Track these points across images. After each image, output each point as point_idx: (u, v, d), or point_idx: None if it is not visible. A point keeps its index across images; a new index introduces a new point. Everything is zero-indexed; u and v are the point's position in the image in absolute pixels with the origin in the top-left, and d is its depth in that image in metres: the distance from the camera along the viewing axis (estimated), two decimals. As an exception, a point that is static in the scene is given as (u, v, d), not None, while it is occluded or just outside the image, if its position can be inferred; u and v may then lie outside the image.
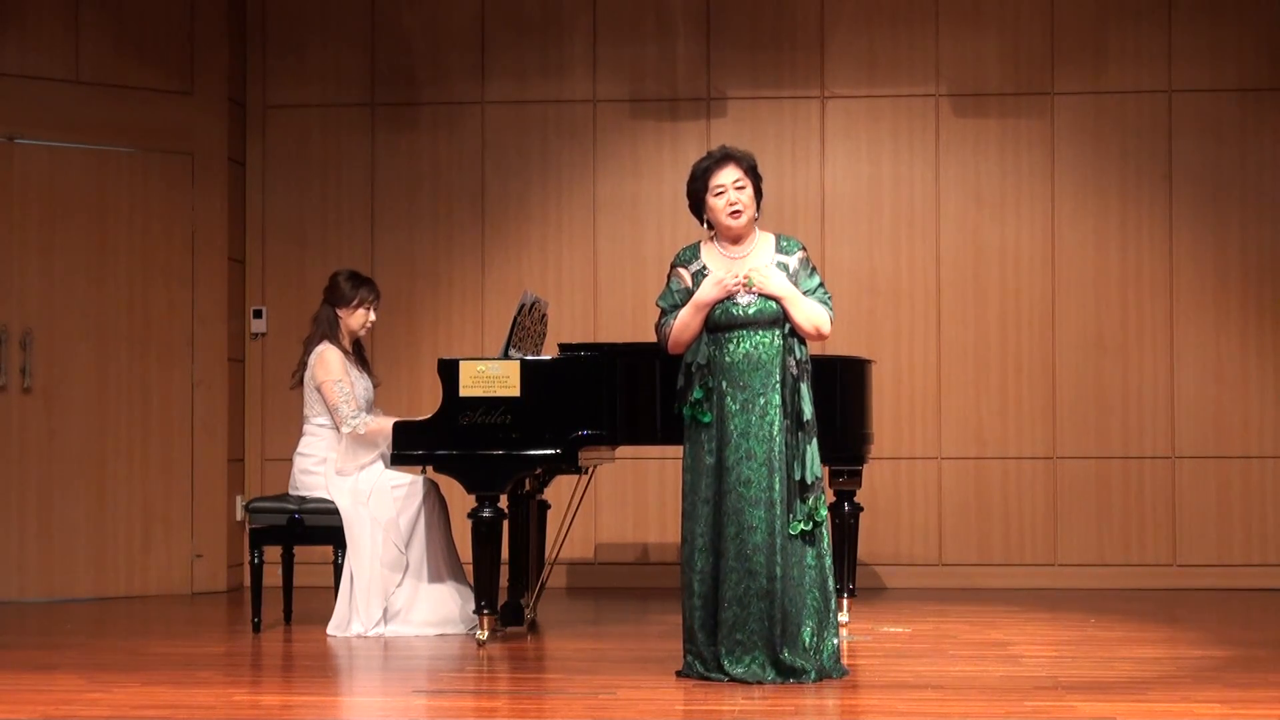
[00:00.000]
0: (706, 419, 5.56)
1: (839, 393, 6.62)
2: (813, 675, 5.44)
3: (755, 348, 5.54)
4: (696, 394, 5.57)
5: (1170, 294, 8.73)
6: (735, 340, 5.54)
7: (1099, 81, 8.79)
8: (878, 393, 8.26)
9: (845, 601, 6.99)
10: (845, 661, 5.74)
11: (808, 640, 5.49)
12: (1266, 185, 8.72)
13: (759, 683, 5.42)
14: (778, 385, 5.52)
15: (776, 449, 5.49)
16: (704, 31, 8.92)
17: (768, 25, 8.90)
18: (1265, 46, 8.74)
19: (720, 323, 5.56)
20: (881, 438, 8.47)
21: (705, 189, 5.63)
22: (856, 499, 7.06)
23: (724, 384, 5.54)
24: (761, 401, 5.51)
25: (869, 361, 6.93)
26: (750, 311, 5.54)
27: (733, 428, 5.51)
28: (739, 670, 5.46)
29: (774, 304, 5.55)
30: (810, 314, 5.58)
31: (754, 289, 5.54)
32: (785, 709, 5.02)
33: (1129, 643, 6.51)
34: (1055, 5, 8.82)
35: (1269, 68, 8.73)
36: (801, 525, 5.50)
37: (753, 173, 5.66)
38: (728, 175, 5.61)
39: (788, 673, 5.43)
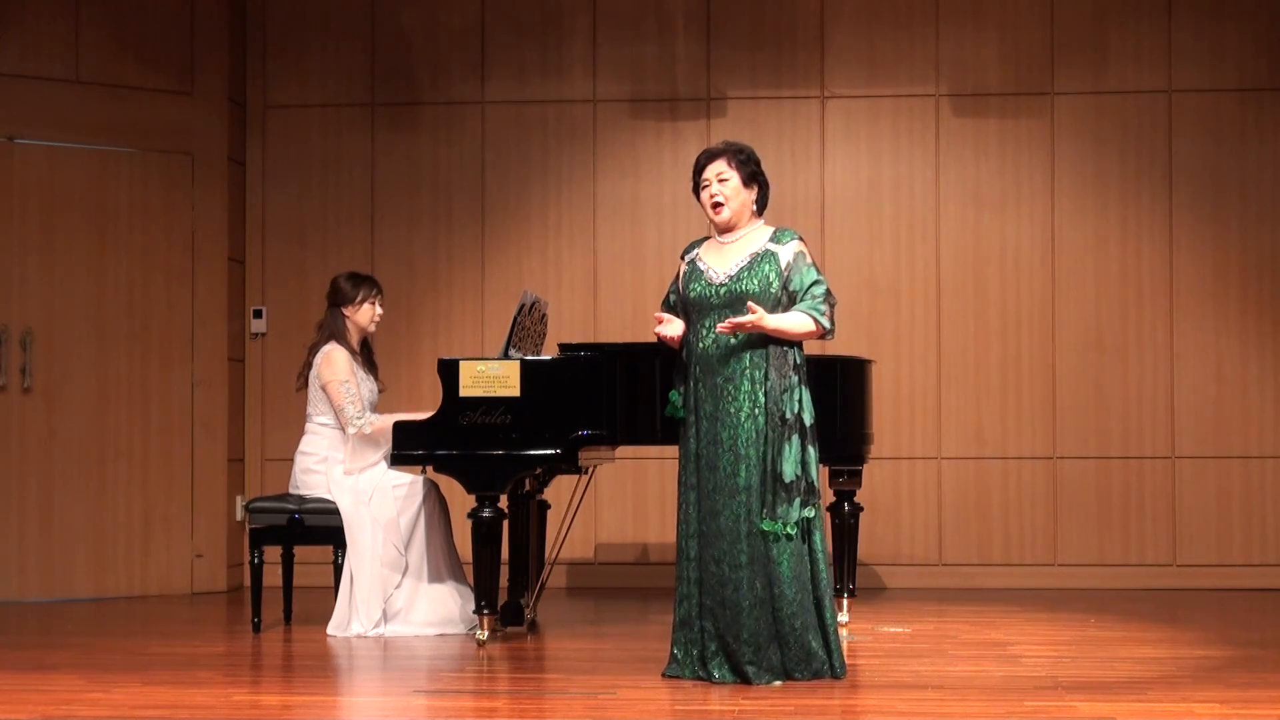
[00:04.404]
0: (680, 415, 5.65)
1: (839, 393, 6.62)
2: (766, 680, 5.41)
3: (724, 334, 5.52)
4: (673, 396, 5.68)
5: (1170, 294, 8.73)
6: (707, 326, 5.55)
7: (1099, 81, 8.79)
8: (878, 393, 8.26)
9: (845, 601, 7.00)
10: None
11: (813, 647, 5.49)
12: (1266, 185, 8.72)
13: (724, 682, 5.42)
14: (750, 371, 5.48)
15: (744, 437, 5.46)
16: (704, 31, 8.91)
17: (768, 25, 8.90)
18: (1265, 46, 8.74)
19: (694, 305, 5.58)
20: (881, 438, 8.47)
21: (696, 188, 5.73)
22: (856, 499, 7.07)
23: (698, 370, 5.57)
24: (730, 388, 5.50)
25: (869, 361, 6.93)
26: (721, 293, 5.55)
27: (703, 413, 5.54)
28: (713, 666, 5.47)
29: (743, 285, 5.51)
30: (796, 329, 5.48)
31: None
32: (785, 709, 5.02)
33: (1129, 643, 6.51)
34: (1055, 5, 8.82)
35: (1269, 68, 8.73)
36: (770, 525, 5.41)
37: (743, 164, 5.63)
38: (711, 170, 5.67)
39: (739, 673, 5.43)
